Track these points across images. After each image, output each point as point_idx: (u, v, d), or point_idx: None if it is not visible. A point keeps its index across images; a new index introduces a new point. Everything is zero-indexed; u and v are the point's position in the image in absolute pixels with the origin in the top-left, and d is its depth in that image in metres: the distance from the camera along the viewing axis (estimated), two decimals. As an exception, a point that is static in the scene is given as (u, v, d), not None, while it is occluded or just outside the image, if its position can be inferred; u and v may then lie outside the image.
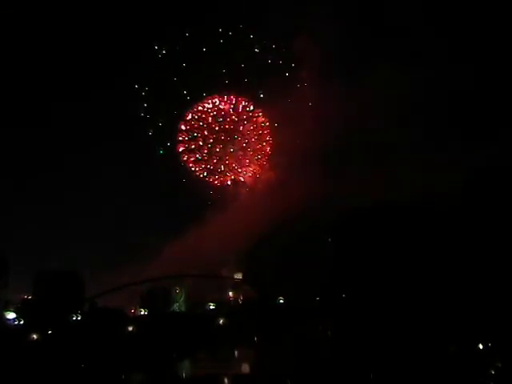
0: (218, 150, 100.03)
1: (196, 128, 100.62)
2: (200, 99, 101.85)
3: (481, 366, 57.41)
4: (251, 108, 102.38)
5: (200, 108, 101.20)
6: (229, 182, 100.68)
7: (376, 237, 73.44)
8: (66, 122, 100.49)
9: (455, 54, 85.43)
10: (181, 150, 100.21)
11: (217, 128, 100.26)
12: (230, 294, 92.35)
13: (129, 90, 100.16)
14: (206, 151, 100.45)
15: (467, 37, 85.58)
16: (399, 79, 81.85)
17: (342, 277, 76.07)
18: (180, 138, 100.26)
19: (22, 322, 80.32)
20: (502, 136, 78.10)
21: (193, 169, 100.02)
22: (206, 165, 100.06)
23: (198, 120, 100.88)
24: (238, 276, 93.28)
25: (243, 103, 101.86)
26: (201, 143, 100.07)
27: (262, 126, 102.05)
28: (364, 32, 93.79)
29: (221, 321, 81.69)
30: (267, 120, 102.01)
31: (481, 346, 63.71)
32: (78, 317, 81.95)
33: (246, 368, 71.99)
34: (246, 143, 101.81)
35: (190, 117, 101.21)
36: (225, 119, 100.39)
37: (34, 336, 75.70)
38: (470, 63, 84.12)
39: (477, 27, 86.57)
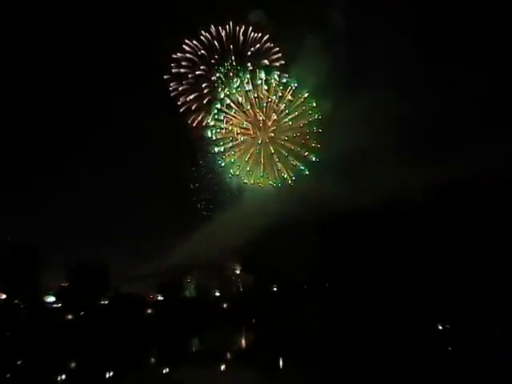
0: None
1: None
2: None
3: (440, 343, 58.67)
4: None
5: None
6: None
7: (355, 236, 76.33)
8: (86, 123, 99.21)
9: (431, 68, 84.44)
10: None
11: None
12: (232, 281, 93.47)
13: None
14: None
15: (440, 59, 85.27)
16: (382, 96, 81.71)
17: (326, 269, 78.87)
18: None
19: (59, 305, 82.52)
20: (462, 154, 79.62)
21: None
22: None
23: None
24: (239, 267, 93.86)
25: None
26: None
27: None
28: (351, 45, 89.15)
29: (224, 305, 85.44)
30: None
31: (440, 327, 64.72)
32: (105, 301, 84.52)
33: (244, 344, 74.71)
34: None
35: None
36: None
37: (69, 316, 79.39)
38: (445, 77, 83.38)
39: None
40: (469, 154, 78.98)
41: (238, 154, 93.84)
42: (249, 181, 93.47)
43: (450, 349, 56.71)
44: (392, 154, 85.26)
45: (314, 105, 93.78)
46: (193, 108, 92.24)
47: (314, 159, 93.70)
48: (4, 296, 78.84)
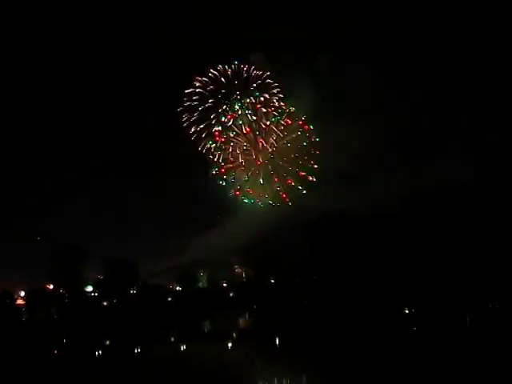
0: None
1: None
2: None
3: (406, 325, 66.38)
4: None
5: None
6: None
7: (338, 237, 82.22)
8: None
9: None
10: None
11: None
12: (237, 274, 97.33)
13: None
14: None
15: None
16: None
17: (314, 264, 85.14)
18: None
19: (96, 294, 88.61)
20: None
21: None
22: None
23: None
24: (243, 263, 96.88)
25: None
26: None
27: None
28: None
29: (231, 294, 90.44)
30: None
31: (407, 311, 72.31)
32: (134, 291, 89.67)
33: (247, 326, 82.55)
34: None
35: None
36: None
37: (105, 303, 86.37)
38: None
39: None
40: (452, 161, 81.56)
41: (237, 174, 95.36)
42: (248, 200, 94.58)
43: (414, 328, 64.61)
44: (379, 166, 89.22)
45: (312, 127, 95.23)
46: (202, 136, 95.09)
47: (311, 179, 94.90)
48: (52, 286, 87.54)
